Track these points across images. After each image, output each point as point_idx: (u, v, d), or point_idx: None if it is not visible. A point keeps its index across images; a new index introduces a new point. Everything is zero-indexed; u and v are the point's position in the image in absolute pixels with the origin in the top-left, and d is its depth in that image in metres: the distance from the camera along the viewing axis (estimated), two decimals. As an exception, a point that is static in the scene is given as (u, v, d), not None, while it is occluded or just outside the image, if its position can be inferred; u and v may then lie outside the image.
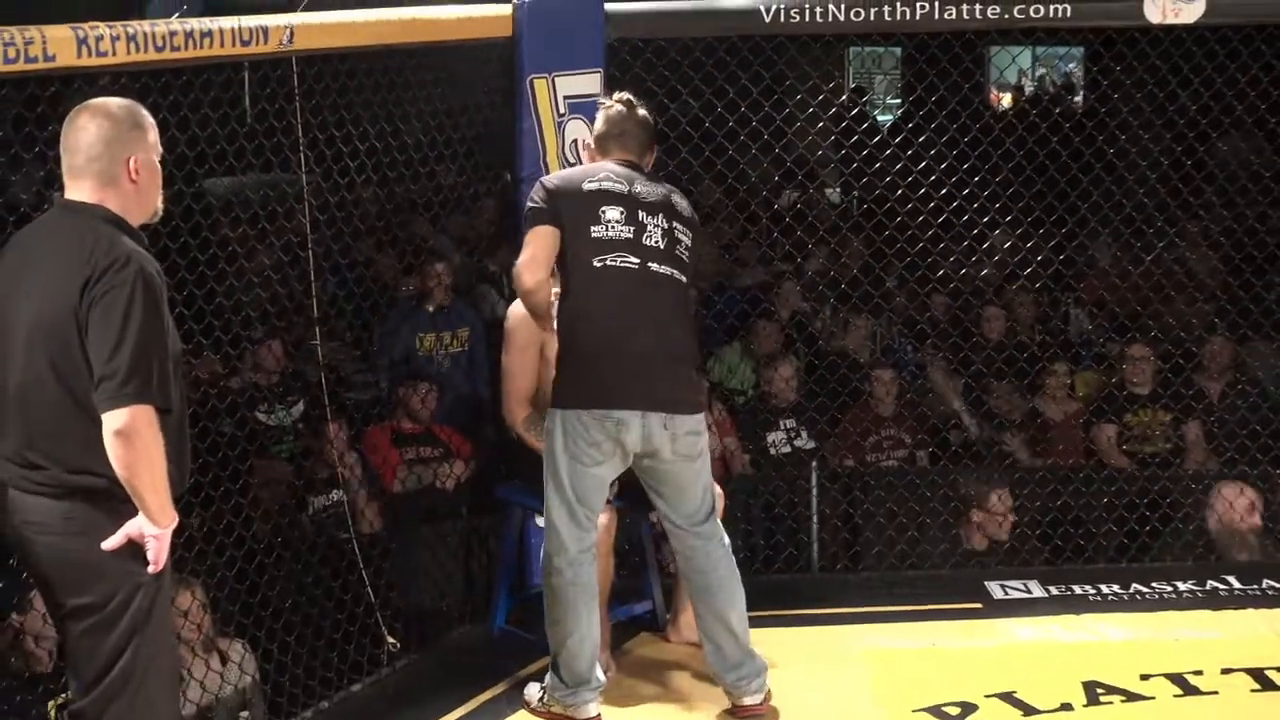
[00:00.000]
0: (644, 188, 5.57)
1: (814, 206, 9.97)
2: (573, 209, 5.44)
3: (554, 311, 5.51)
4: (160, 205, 4.52)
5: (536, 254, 5.42)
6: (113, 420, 4.21)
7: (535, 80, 6.68)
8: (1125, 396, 8.61)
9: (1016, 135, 8.48)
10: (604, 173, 5.56)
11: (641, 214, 5.50)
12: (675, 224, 5.57)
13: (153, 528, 4.31)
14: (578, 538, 5.48)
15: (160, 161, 4.50)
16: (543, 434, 5.99)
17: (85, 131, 4.33)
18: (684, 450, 5.49)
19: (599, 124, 5.74)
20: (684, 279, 5.57)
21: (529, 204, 5.56)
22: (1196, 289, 9.23)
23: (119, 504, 4.30)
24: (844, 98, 8.55)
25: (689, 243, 5.60)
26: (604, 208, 5.46)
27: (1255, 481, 7.62)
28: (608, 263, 5.44)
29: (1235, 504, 7.44)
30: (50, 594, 4.53)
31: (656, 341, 5.46)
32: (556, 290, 5.55)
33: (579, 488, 5.45)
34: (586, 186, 5.50)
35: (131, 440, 4.22)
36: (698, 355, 5.81)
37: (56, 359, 4.30)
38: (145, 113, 4.46)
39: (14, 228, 5.82)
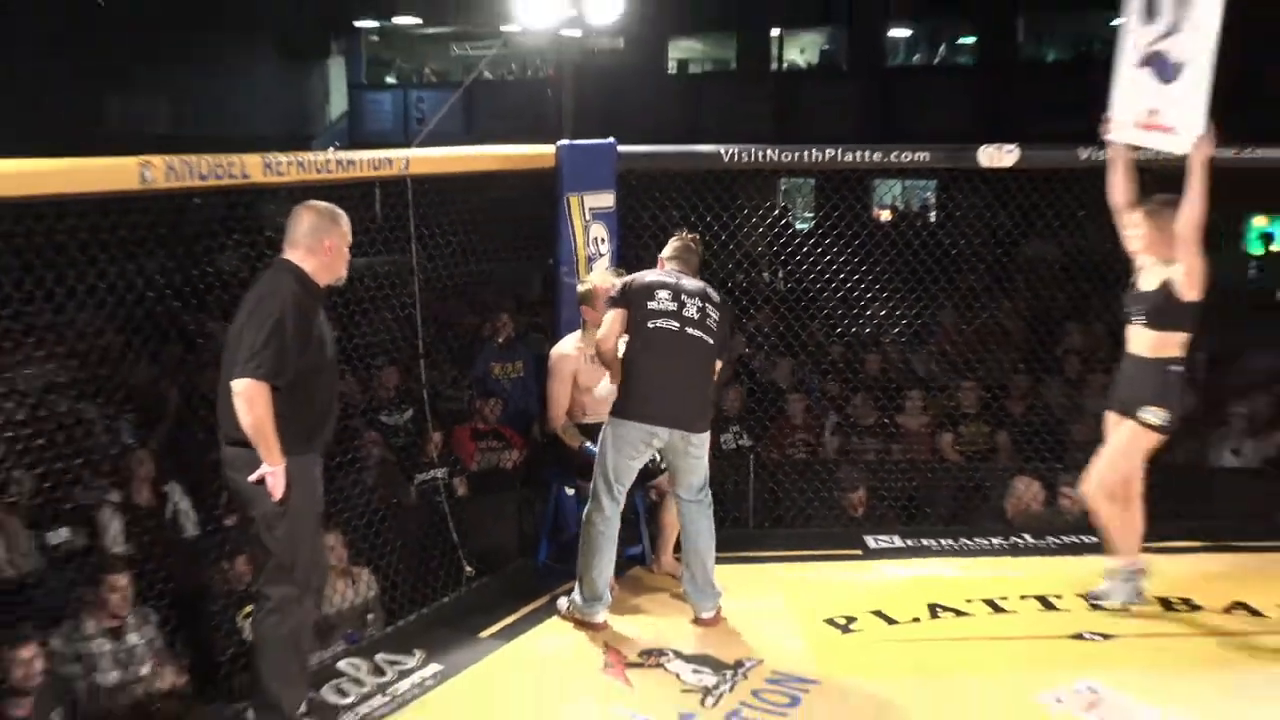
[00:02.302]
0: (687, 282, 5.72)
1: (754, 284, 10.01)
2: (638, 294, 5.62)
3: (619, 357, 5.68)
4: (345, 273, 4.72)
5: (611, 327, 5.63)
6: (235, 386, 4.40)
7: (570, 197, 6.71)
8: (959, 414, 8.65)
9: (890, 239, 8.52)
10: (662, 272, 5.78)
11: (683, 295, 5.65)
12: (707, 305, 5.67)
13: (266, 466, 4.44)
14: (612, 505, 5.61)
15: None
16: (576, 435, 6.13)
17: (301, 218, 4.58)
18: (694, 453, 5.65)
19: (669, 247, 5.92)
20: (711, 341, 5.65)
21: (611, 294, 5.75)
22: (1008, 343, 9.28)
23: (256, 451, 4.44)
24: (775, 211, 8.53)
25: (717, 318, 5.68)
26: (658, 290, 5.63)
27: (1042, 474, 7.65)
28: (658, 325, 5.58)
29: (1025, 491, 7.46)
30: (240, 511, 4.73)
31: (684, 382, 5.60)
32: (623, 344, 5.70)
33: (619, 472, 5.58)
34: (648, 279, 5.70)
35: (245, 401, 4.37)
36: (713, 392, 5.89)
37: (228, 356, 4.49)
38: (341, 212, 4.69)
39: (221, 292, 5.94)
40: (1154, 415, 5.65)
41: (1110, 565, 6.03)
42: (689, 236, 5.95)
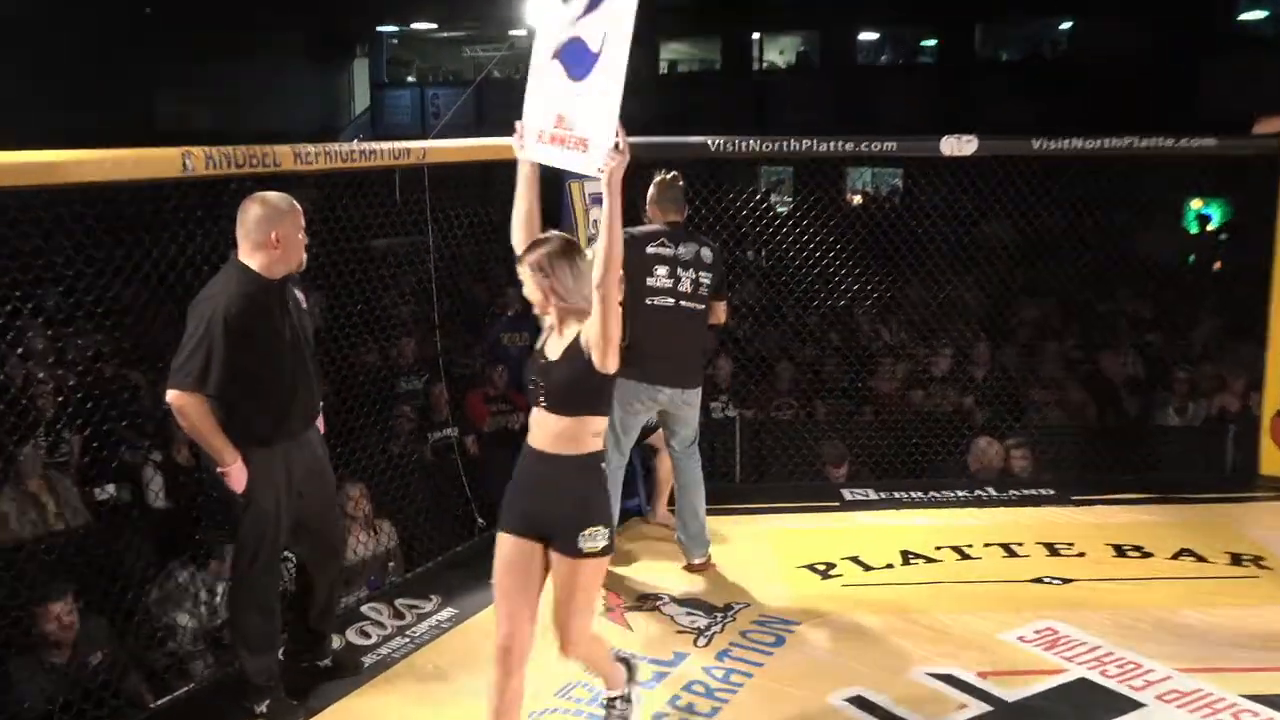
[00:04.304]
0: (683, 249, 5.52)
1: (739, 261, 9.88)
2: (637, 262, 5.36)
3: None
4: (303, 259, 4.25)
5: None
6: (167, 396, 4.08)
7: (571, 183, 6.56)
8: (928, 378, 8.54)
9: (862, 221, 8.40)
10: (660, 238, 5.51)
11: (679, 269, 5.49)
12: (700, 273, 5.52)
13: (222, 467, 4.12)
14: (619, 453, 5.53)
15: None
16: None
17: (247, 212, 4.16)
18: (688, 408, 5.58)
19: (654, 190, 5.63)
20: (702, 306, 5.54)
21: None
22: (969, 314, 9.18)
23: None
24: (758, 196, 8.41)
25: (709, 282, 5.54)
26: (656, 266, 5.47)
27: (1003, 433, 7.56)
28: (655, 302, 5.45)
29: (988, 449, 7.35)
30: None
31: (680, 347, 5.50)
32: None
33: (625, 426, 5.51)
34: (649, 250, 5.47)
35: (177, 412, 4.06)
36: (706, 352, 5.74)
37: None
38: (290, 201, 4.22)
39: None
40: (598, 539, 3.75)
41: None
42: (669, 175, 5.66)
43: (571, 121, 3.95)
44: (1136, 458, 7.43)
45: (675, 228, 5.58)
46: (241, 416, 4.13)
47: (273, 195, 4.22)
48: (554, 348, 3.73)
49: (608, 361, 3.66)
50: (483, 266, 9.33)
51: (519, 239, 3.96)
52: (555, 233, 3.87)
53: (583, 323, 3.68)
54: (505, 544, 3.85)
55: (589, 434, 3.74)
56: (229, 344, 4.01)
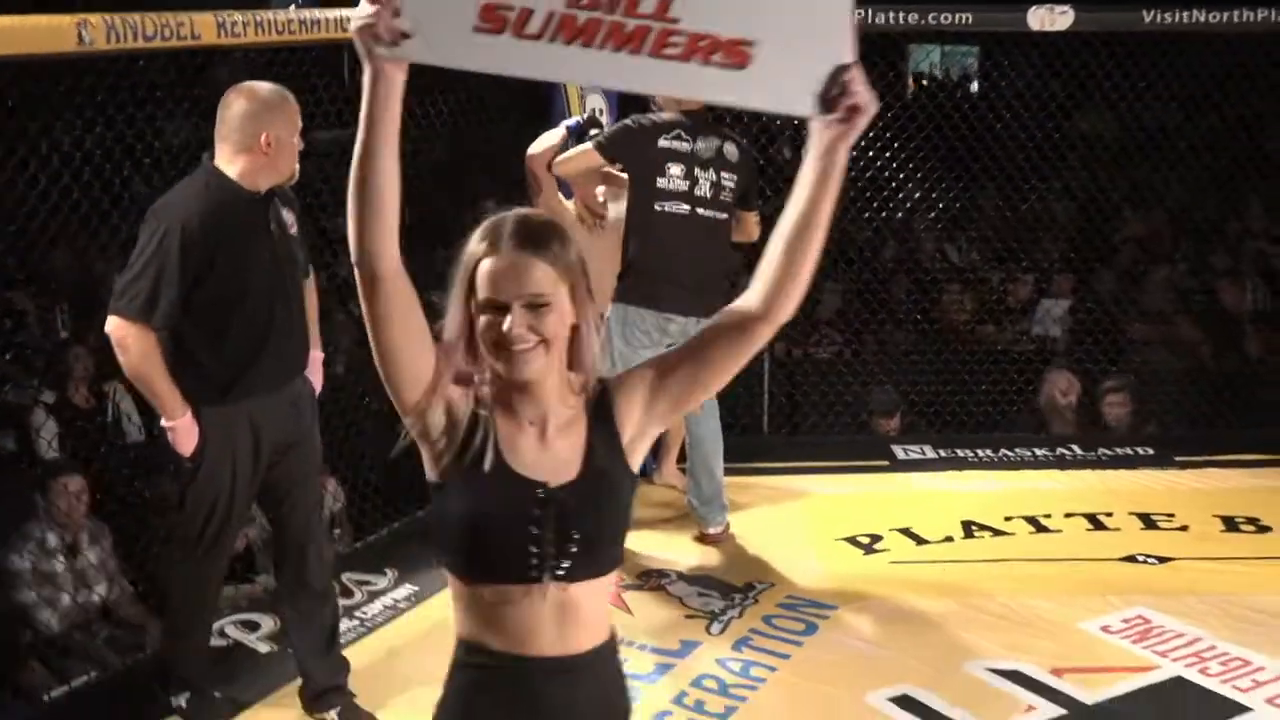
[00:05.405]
0: (702, 144, 5.51)
1: (772, 163, 9.91)
2: (645, 160, 5.41)
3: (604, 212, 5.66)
4: (295, 169, 4.20)
5: (576, 163, 5.51)
6: (107, 325, 4.04)
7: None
8: (1003, 309, 8.62)
9: (927, 113, 8.41)
10: (675, 130, 5.48)
11: (697, 169, 5.49)
12: (723, 174, 5.53)
13: (164, 420, 4.11)
14: None
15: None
16: None
17: (230, 107, 4.12)
18: None
19: None
20: (725, 215, 5.56)
21: (608, 132, 5.53)
22: (1057, 231, 9.22)
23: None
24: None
25: (733, 185, 5.55)
26: (669, 164, 5.46)
27: (1094, 376, 7.63)
28: (666, 208, 5.48)
29: (1058, 382, 7.44)
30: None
31: (697, 266, 5.49)
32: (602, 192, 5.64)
33: (627, 363, 5.39)
34: (661, 143, 5.46)
35: (116, 344, 4.02)
36: (729, 274, 5.71)
37: None
38: (286, 95, 4.18)
39: (170, 165, 5.84)
40: None
41: None
42: None
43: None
44: (1258, 409, 7.50)
45: (693, 118, 5.54)
46: (194, 361, 4.10)
47: (263, 86, 4.16)
48: (549, 456, 2.38)
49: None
50: (452, 169, 9.35)
51: (379, 237, 2.28)
52: (529, 211, 2.47)
53: (584, 382, 2.43)
54: None
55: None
56: (185, 266, 3.97)
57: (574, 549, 2.31)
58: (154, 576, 5.68)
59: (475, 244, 2.35)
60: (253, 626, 5.10)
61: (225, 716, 4.48)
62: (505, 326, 2.27)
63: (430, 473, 2.42)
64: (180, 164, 6.18)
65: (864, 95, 2.16)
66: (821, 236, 2.29)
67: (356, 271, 2.24)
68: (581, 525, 2.32)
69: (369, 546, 5.86)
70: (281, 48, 5.49)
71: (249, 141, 4.08)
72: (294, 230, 4.33)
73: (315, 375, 4.51)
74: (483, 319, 2.30)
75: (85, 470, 5.85)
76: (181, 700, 4.43)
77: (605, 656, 2.45)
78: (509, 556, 2.31)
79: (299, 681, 4.52)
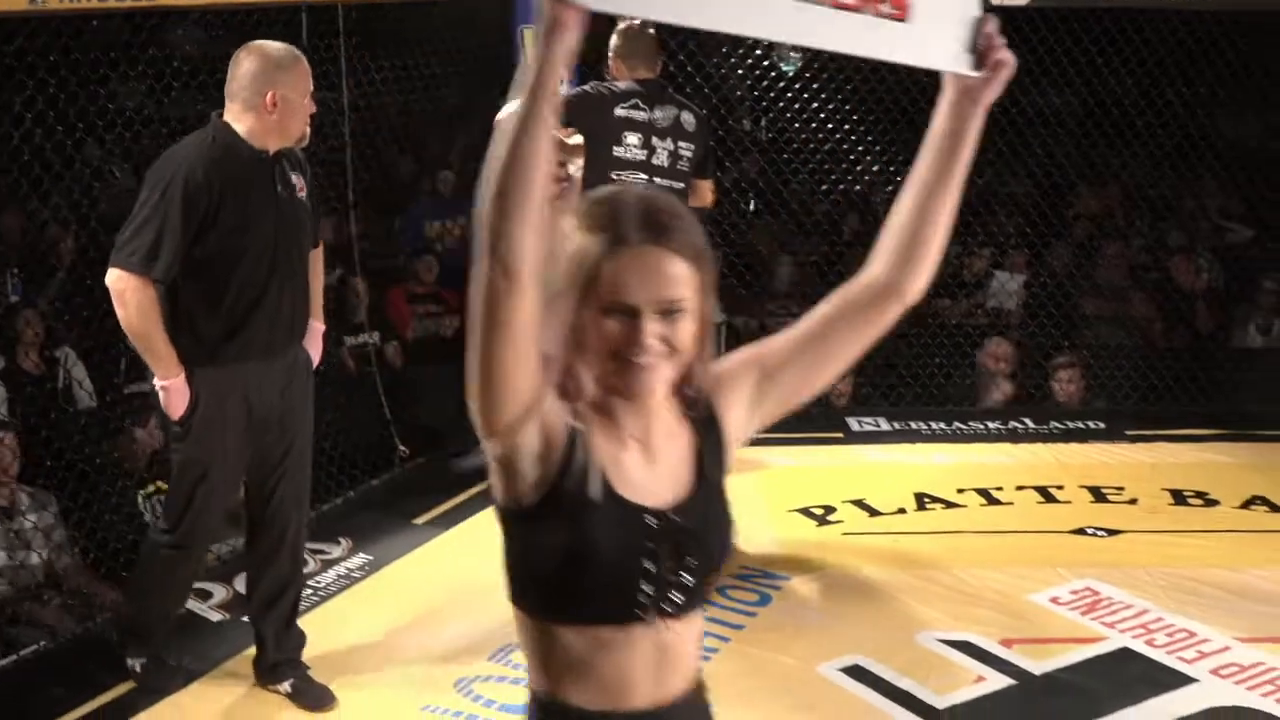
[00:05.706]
0: (660, 113, 5.45)
1: (731, 133, 9.90)
2: (601, 127, 5.28)
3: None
4: (305, 132, 4.20)
5: None
6: (107, 277, 4.01)
7: (525, 30, 6.59)
8: (957, 283, 8.65)
9: (887, 85, 8.40)
10: (632, 99, 5.41)
11: (654, 138, 5.44)
12: (680, 143, 5.48)
13: (158, 380, 4.08)
14: None
15: None
16: None
17: (239, 64, 4.11)
18: None
19: (617, 40, 5.47)
20: (682, 185, 5.46)
21: (563, 96, 5.45)
22: (1012, 206, 9.24)
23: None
24: (757, 51, 8.39)
25: (690, 154, 5.50)
26: (626, 133, 5.38)
27: (1047, 351, 7.69)
28: (623, 177, 5.37)
29: (991, 353, 7.53)
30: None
31: None
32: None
33: None
34: (618, 112, 5.38)
35: (116, 297, 3.99)
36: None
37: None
38: (298, 56, 4.18)
39: (123, 129, 5.78)
40: None
41: None
42: (636, 22, 5.47)
43: None
44: (1208, 385, 7.57)
45: (649, 86, 5.50)
46: (190, 321, 4.06)
47: (273, 46, 4.17)
48: (657, 474, 2.04)
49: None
50: (411, 132, 9.30)
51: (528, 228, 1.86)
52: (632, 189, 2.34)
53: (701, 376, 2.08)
54: None
55: None
56: (189, 217, 3.95)
57: (690, 580, 1.99)
58: (105, 543, 5.65)
59: (588, 236, 1.94)
60: (205, 595, 5.09)
61: (177, 686, 4.46)
62: (637, 335, 1.92)
63: (509, 498, 2.01)
64: (134, 127, 6.14)
65: (1005, 48, 2.02)
66: (956, 200, 2.12)
67: (489, 268, 1.81)
68: (700, 552, 2.00)
69: (323, 515, 5.83)
70: (239, 9, 5.42)
71: (255, 100, 4.07)
72: (303, 194, 4.29)
73: (314, 346, 4.48)
74: (604, 323, 1.92)
75: (34, 437, 5.80)
76: (137, 665, 4.42)
77: (698, 701, 2.12)
78: (614, 595, 1.96)
79: (251, 651, 4.51)
